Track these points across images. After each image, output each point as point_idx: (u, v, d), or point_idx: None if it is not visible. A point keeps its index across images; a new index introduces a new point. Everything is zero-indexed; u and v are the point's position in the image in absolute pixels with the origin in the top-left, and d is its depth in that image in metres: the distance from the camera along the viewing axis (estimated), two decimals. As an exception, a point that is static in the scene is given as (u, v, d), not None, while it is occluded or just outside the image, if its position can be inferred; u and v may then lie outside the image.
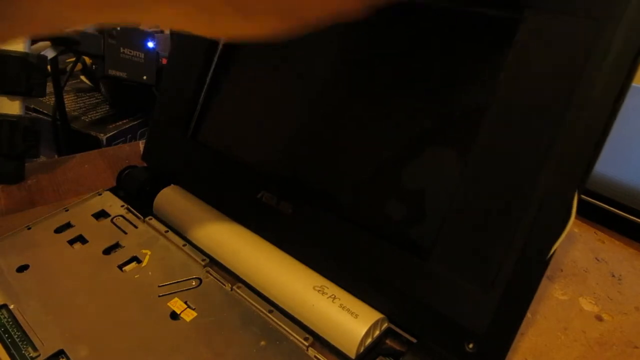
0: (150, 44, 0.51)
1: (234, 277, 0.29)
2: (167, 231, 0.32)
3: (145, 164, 0.38)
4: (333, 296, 0.25)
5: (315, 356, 0.24)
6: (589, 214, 0.38)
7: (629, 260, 0.34)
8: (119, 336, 0.24)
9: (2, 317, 0.26)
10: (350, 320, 0.24)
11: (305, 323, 0.26)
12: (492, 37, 0.23)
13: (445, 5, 0.25)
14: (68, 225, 0.32)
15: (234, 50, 0.34)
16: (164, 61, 0.51)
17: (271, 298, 0.27)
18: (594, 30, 0.19)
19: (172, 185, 0.35)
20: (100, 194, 0.36)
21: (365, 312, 0.24)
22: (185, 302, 0.26)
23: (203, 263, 0.29)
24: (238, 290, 0.27)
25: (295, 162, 0.30)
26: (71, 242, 0.31)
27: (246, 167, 0.31)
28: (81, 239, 0.31)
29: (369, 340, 0.24)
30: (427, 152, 0.25)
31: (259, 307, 0.26)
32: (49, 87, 0.48)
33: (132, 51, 0.49)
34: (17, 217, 0.35)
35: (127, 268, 0.29)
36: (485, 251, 0.22)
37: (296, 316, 0.26)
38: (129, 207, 0.34)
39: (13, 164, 0.39)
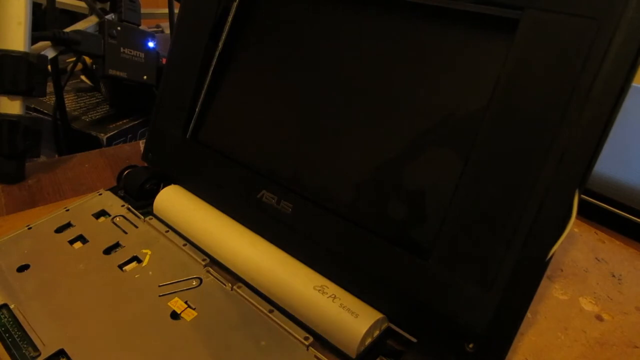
0: (151, 44, 0.51)
1: (234, 277, 0.29)
2: (167, 231, 0.32)
3: (145, 164, 0.38)
4: (333, 296, 0.25)
5: (315, 356, 0.24)
6: (589, 214, 0.38)
7: (629, 260, 0.34)
8: (119, 336, 0.24)
9: (2, 316, 0.26)
10: (350, 319, 0.24)
11: (306, 323, 0.26)
12: (492, 36, 0.23)
13: (446, 4, 0.25)
14: (68, 225, 0.32)
15: (234, 49, 0.34)
16: (164, 61, 0.51)
17: (271, 298, 0.27)
18: (594, 29, 0.19)
19: (172, 185, 0.35)
20: (100, 194, 0.36)
21: (365, 311, 0.24)
22: (186, 302, 0.26)
23: (203, 263, 0.29)
24: (238, 290, 0.27)
25: (296, 162, 0.30)
26: (71, 241, 0.31)
27: (246, 167, 0.31)
28: (81, 239, 0.31)
29: (369, 340, 0.24)
30: (427, 152, 0.25)
31: (259, 306, 0.26)
32: (49, 87, 0.48)
33: (133, 51, 0.49)
34: (18, 216, 0.35)
35: (127, 268, 0.29)
36: (485, 251, 0.22)
37: (296, 316, 0.26)
38: (129, 206, 0.34)
39: (14, 164, 0.39)
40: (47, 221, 0.33)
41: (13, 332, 0.25)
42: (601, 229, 0.37)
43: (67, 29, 0.45)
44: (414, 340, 0.24)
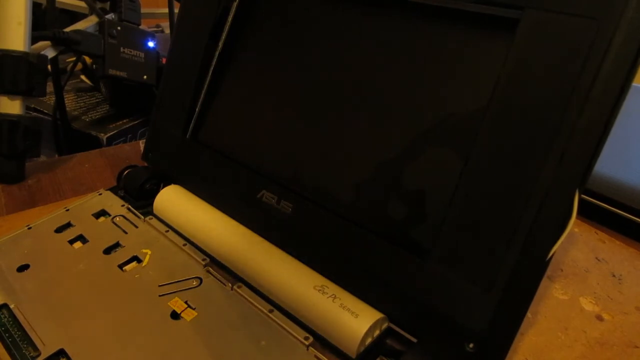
0: (151, 44, 0.51)
1: (234, 277, 0.29)
2: (167, 231, 0.32)
3: (145, 164, 0.38)
4: (333, 296, 0.25)
5: (315, 356, 0.24)
6: (589, 214, 0.38)
7: (630, 260, 0.34)
8: (120, 336, 0.24)
9: (2, 316, 0.26)
10: (350, 319, 0.24)
11: (306, 322, 0.26)
12: (492, 36, 0.23)
13: (446, 4, 0.25)
14: (68, 225, 0.32)
15: (234, 49, 0.34)
16: (164, 61, 0.51)
17: (271, 298, 0.27)
18: (594, 29, 0.19)
19: (172, 184, 0.35)
20: (100, 194, 0.36)
21: (365, 311, 0.24)
22: (186, 302, 0.26)
23: (203, 263, 0.29)
24: (238, 290, 0.27)
25: (295, 161, 0.30)
26: (71, 241, 0.31)
27: (246, 167, 0.31)
28: (81, 239, 0.31)
29: (369, 340, 0.24)
30: (427, 151, 0.25)
31: (259, 306, 0.26)
32: (49, 87, 0.48)
33: (133, 51, 0.49)
34: (18, 216, 0.35)
35: (127, 268, 0.29)
36: (486, 251, 0.22)
37: (296, 316, 0.26)
38: (129, 206, 0.34)
39: (13, 164, 0.39)
40: (47, 221, 0.33)
41: (13, 332, 0.25)
42: (601, 229, 0.37)
43: (67, 29, 0.45)
44: (414, 340, 0.24)
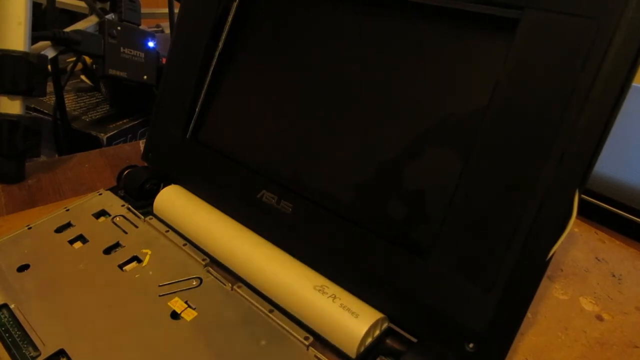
0: (151, 44, 0.51)
1: (235, 277, 0.29)
2: (167, 231, 0.32)
3: (145, 164, 0.38)
4: (333, 296, 0.25)
5: (315, 356, 0.24)
6: (589, 214, 0.38)
7: (630, 260, 0.34)
8: (120, 336, 0.24)
9: (2, 316, 0.26)
10: (350, 319, 0.24)
11: (306, 323, 0.26)
12: (492, 36, 0.23)
13: (446, 4, 0.25)
14: (68, 225, 0.32)
15: (234, 49, 0.34)
16: (164, 61, 0.51)
17: (271, 298, 0.27)
18: (594, 29, 0.19)
19: (172, 184, 0.35)
20: (100, 194, 0.36)
21: (365, 311, 0.24)
22: (186, 302, 0.26)
23: (203, 263, 0.29)
24: (238, 290, 0.27)
25: (296, 162, 0.30)
26: (71, 241, 0.31)
27: (246, 167, 0.31)
28: (81, 239, 0.31)
29: (369, 340, 0.24)
30: (427, 151, 0.25)
31: (259, 306, 0.26)
32: (50, 87, 0.48)
33: (133, 51, 0.49)
34: (18, 216, 0.35)
35: (127, 267, 0.29)
36: (486, 251, 0.22)
37: (296, 316, 0.26)
38: (129, 206, 0.34)
39: (13, 164, 0.39)
40: (47, 221, 0.33)
41: (13, 332, 0.25)
42: (601, 229, 0.37)
43: (67, 29, 0.45)
44: (414, 340, 0.24)
